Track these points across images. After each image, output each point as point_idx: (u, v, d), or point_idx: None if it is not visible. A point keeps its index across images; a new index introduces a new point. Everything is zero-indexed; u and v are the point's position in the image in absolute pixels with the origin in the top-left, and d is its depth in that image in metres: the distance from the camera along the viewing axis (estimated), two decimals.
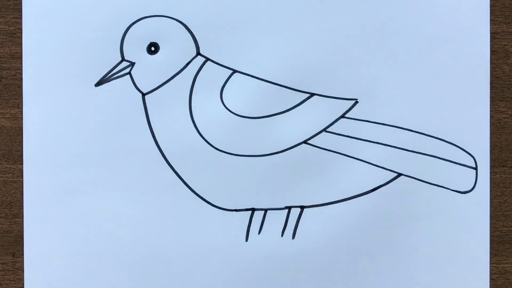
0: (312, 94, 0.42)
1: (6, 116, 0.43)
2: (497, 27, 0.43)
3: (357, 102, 0.42)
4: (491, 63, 0.43)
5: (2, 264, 0.44)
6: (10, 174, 0.43)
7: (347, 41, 0.42)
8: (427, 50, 0.42)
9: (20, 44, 0.43)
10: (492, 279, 0.43)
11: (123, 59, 0.42)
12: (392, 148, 0.42)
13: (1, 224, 0.43)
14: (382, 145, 0.42)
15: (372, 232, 0.42)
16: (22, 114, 0.43)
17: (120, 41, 0.42)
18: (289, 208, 0.42)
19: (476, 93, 0.43)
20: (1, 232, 0.44)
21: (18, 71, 0.43)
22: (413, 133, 0.42)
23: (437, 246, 0.42)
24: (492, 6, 0.43)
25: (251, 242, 0.42)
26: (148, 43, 0.42)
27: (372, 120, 0.42)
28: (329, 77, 0.42)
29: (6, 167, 0.43)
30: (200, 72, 0.42)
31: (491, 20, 0.43)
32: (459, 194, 0.42)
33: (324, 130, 0.42)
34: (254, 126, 0.42)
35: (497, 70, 0.43)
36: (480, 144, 0.43)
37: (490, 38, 0.43)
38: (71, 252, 0.42)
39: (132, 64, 0.42)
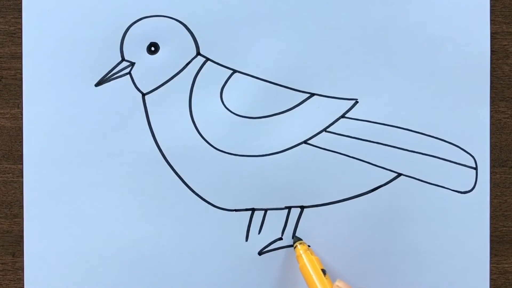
0: (312, 94, 0.42)
1: (6, 116, 0.43)
2: (497, 27, 0.43)
3: (357, 102, 0.42)
4: (491, 63, 0.43)
5: (2, 264, 0.44)
6: (10, 174, 0.43)
7: (347, 41, 0.42)
8: (427, 50, 0.42)
9: (20, 44, 0.43)
10: (492, 279, 0.43)
11: (123, 59, 0.42)
12: (392, 148, 0.42)
13: (1, 224, 0.43)
14: (382, 145, 0.42)
15: (372, 232, 0.42)
16: (22, 114, 0.43)
17: (120, 41, 0.42)
18: (289, 208, 0.42)
19: (476, 93, 0.43)
20: (1, 232, 0.44)
21: (18, 71, 0.43)
22: (413, 133, 0.42)
23: (437, 246, 0.42)
24: (492, 6, 0.43)
25: (251, 242, 0.42)
26: (148, 43, 0.42)
27: (372, 120, 0.42)
28: (329, 77, 0.42)
29: (6, 167, 0.43)
30: (200, 72, 0.42)
31: (491, 20, 0.43)
32: (459, 194, 0.42)
33: (324, 130, 0.42)
34: (254, 126, 0.42)
35: (497, 70, 0.43)
36: (480, 144, 0.43)
37: (490, 38, 0.43)
38: (71, 252, 0.42)
39: (132, 64, 0.42)
